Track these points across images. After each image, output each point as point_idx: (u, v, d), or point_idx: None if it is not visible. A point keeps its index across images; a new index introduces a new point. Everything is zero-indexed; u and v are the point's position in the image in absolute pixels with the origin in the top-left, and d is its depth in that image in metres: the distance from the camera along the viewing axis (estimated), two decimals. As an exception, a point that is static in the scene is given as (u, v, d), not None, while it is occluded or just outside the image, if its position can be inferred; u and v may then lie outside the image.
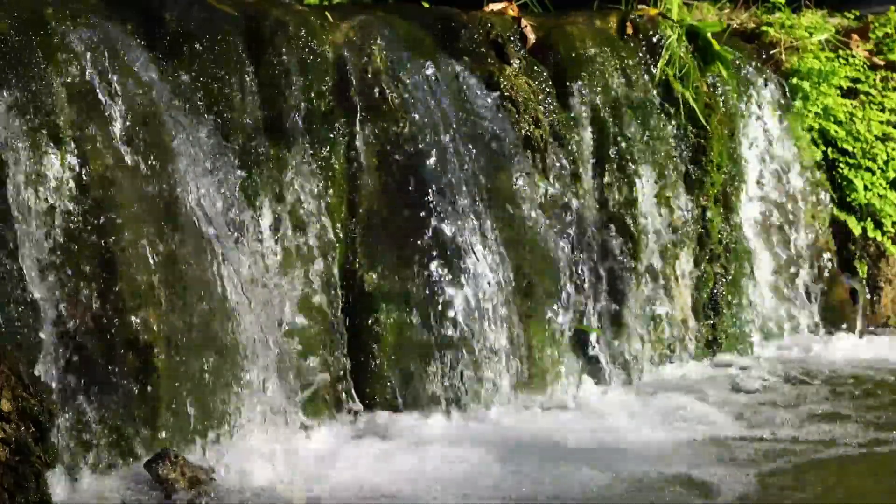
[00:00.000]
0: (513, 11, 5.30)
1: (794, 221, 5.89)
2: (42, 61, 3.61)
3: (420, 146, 4.39)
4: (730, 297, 5.54)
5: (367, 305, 4.30)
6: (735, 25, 6.09)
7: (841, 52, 6.33)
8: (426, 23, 4.88)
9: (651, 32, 5.44)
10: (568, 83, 5.12)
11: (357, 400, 4.25)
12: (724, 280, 5.51)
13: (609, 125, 5.16)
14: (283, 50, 4.21)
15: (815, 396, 4.86)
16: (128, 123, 3.72)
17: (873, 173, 6.17)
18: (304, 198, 4.15)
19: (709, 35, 5.59)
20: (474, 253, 4.38)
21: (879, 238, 6.19)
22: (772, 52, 6.15)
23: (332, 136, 4.31)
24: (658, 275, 5.22)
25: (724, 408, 4.63)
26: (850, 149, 6.17)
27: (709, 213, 5.43)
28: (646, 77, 5.36)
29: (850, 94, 6.28)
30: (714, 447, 4.11)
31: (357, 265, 4.31)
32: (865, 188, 6.15)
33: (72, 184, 3.61)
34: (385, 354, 4.30)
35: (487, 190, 4.59)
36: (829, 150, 6.17)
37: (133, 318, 3.63)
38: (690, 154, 5.42)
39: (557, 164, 4.93)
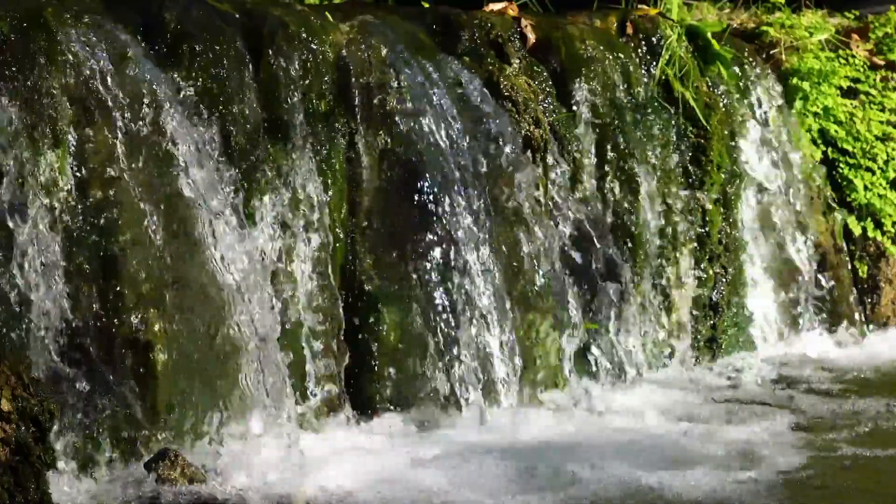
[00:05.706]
0: (513, 11, 5.30)
1: (793, 221, 5.89)
2: (42, 61, 3.61)
3: (420, 146, 4.39)
4: (730, 298, 5.54)
5: (367, 305, 4.30)
6: (735, 25, 6.09)
7: (841, 52, 6.33)
8: (426, 23, 4.88)
9: (651, 32, 5.44)
10: (568, 83, 5.13)
11: (357, 399, 4.25)
12: (724, 280, 5.50)
13: (609, 125, 5.16)
14: (283, 50, 4.21)
15: (808, 397, 4.87)
16: (127, 123, 3.72)
17: (873, 173, 6.18)
18: (303, 198, 4.15)
19: (709, 35, 5.59)
20: (474, 253, 4.38)
21: (879, 238, 6.19)
22: (772, 52, 6.15)
23: (332, 136, 4.31)
24: (658, 275, 5.23)
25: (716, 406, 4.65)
26: (850, 149, 6.17)
27: (709, 213, 5.44)
28: (646, 77, 5.37)
29: (850, 94, 6.29)
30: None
31: (357, 265, 4.31)
32: (865, 188, 6.15)
33: (72, 184, 3.61)
34: (385, 354, 4.30)
35: (487, 189, 4.59)
36: (829, 150, 6.17)
37: (133, 319, 3.63)
38: (690, 154, 5.42)
39: (557, 164, 4.93)
